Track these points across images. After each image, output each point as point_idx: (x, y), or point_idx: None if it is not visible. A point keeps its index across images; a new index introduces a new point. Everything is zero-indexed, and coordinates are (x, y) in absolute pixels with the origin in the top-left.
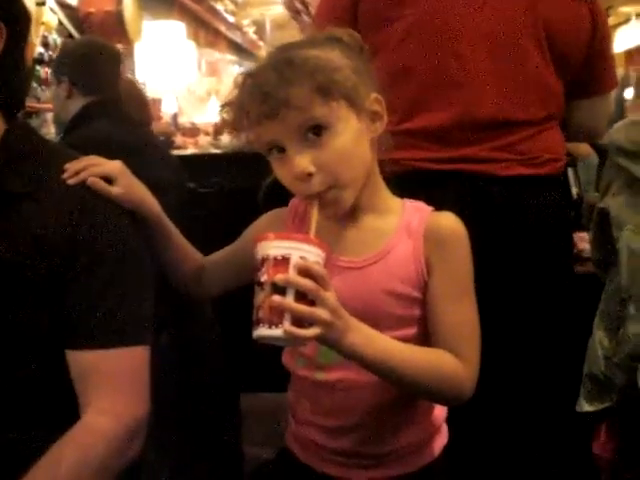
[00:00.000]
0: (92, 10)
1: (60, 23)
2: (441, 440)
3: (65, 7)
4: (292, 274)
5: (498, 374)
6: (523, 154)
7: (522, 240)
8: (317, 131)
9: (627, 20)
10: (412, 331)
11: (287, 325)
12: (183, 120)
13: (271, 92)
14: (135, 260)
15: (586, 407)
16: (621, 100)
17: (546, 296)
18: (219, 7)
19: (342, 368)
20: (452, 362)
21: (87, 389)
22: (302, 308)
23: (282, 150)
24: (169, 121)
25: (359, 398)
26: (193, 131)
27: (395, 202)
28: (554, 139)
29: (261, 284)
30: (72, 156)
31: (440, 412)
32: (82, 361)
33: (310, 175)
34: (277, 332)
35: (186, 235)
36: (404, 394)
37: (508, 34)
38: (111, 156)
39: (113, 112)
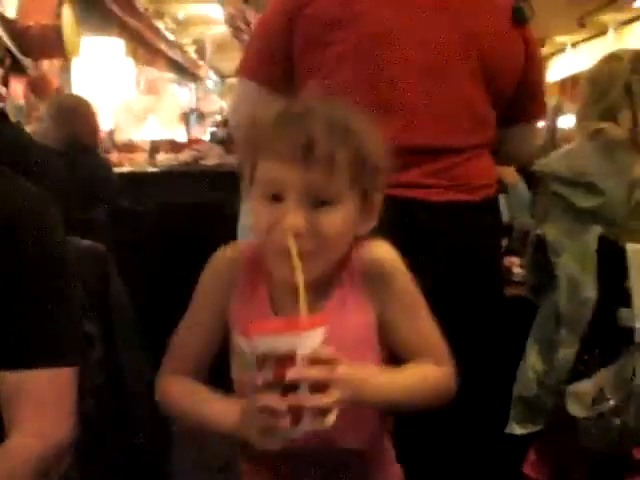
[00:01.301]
0: (31, 23)
1: None
2: None
3: (2, 19)
4: (302, 369)
5: None
6: (455, 180)
7: (452, 267)
8: (326, 199)
9: (562, 49)
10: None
11: (310, 420)
12: (120, 137)
13: (319, 142)
14: (64, 278)
15: (517, 430)
16: (553, 128)
17: (477, 320)
18: (160, 25)
19: None
20: (433, 370)
21: (12, 410)
22: (324, 401)
23: (278, 198)
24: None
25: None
26: (130, 147)
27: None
28: (486, 165)
29: (266, 383)
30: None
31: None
32: (7, 382)
33: (299, 235)
34: (304, 427)
35: (122, 253)
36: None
37: (441, 63)
38: None
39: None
